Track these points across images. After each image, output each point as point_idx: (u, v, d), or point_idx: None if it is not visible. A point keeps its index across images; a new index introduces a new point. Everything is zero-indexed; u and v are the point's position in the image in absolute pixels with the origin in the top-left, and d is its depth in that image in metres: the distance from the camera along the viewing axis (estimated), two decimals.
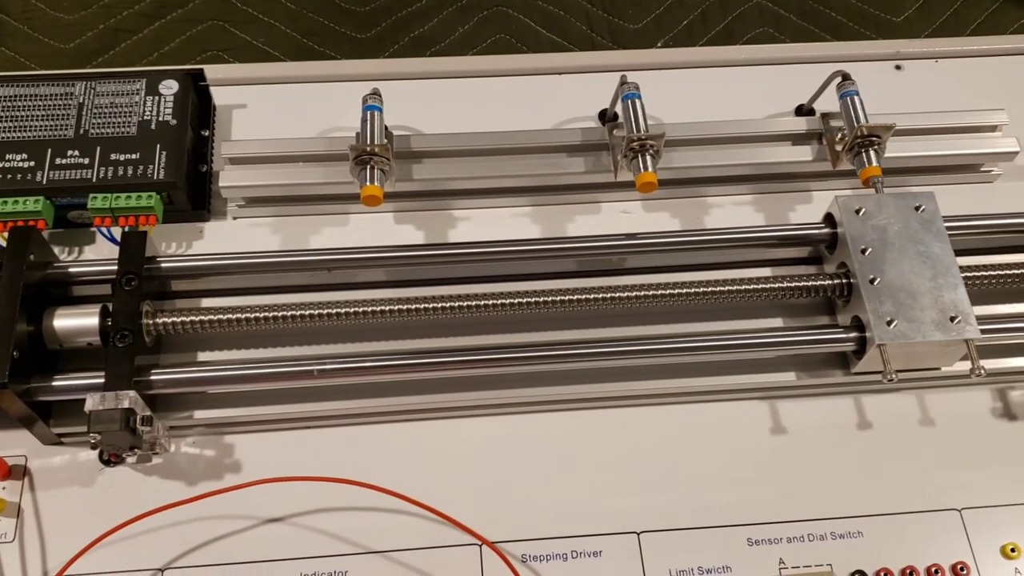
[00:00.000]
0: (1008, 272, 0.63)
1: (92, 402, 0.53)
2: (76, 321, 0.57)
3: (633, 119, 0.63)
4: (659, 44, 1.02)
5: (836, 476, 0.60)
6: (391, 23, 1.03)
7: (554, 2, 1.04)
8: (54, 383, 0.56)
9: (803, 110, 0.73)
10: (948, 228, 0.61)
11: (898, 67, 0.77)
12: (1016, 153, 0.69)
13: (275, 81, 0.73)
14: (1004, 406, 0.63)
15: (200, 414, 0.59)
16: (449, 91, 0.74)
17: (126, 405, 0.53)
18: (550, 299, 0.60)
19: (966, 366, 0.60)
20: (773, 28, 1.05)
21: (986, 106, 0.70)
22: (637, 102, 0.64)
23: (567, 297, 0.60)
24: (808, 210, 0.69)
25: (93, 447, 0.54)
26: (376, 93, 0.64)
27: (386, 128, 0.64)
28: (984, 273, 0.63)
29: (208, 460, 0.59)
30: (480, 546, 0.56)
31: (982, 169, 0.71)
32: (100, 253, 0.64)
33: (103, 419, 0.53)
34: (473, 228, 0.67)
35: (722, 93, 0.75)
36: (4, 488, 0.57)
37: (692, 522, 0.58)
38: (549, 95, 0.74)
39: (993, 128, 0.70)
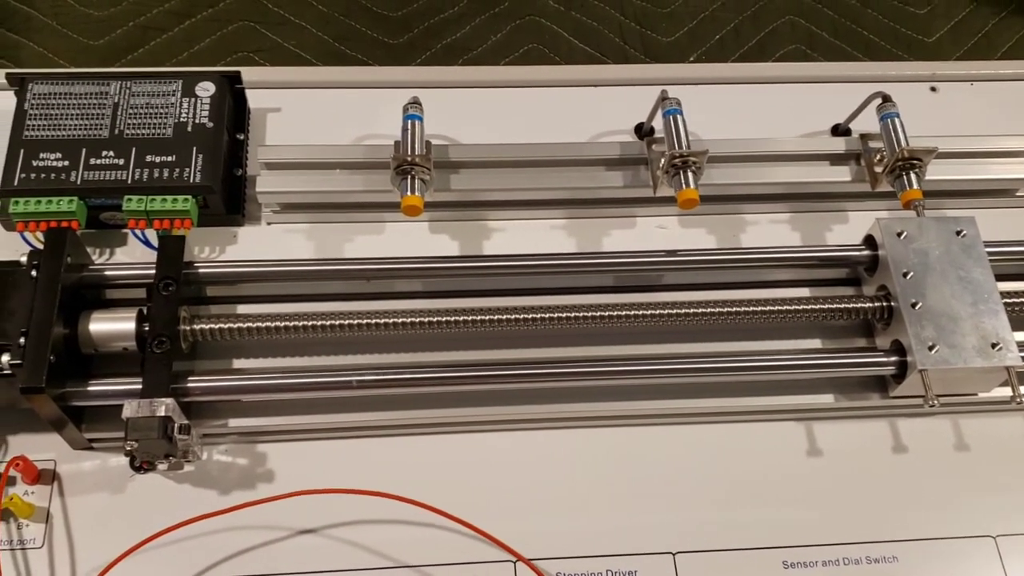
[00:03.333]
0: None
1: (130, 409, 0.52)
2: (113, 325, 0.56)
3: (675, 135, 0.62)
4: (691, 58, 1.02)
5: (871, 500, 0.60)
6: (423, 29, 1.02)
7: (587, 13, 1.04)
8: (90, 388, 0.55)
9: (840, 130, 0.72)
10: (989, 253, 0.61)
11: (933, 89, 0.77)
12: None
13: (310, 86, 0.73)
14: None
15: (235, 422, 0.58)
16: (483, 100, 0.73)
17: (164, 413, 0.52)
18: (589, 315, 0.60)
19: (1002, 391, 0.60)
20: (806, 45, 1.05)
21: (1020, 130, 0.70)
22: (679, 118, 0.63)
23: (606, 313, 0.60)
24: (844, 230, 0.69)
25: (127, 455, 0.53)
26: (416, 102, 0.63)
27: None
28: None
29: (241, 469, 0.58)
30: (515, 562, 0.56)
31: (1017, 194, 0.71)
32: (132, 255, 0.64)
33: (140, 427, 0.52)
34: (508, 239, 0.67)
35: (756, 110, 0.74)
36: (33, 493, 0.57)
37: (727, 543, 0.58)
38: (584, 107, 0.73)
39: None
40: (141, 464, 0.57)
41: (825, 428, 0.62)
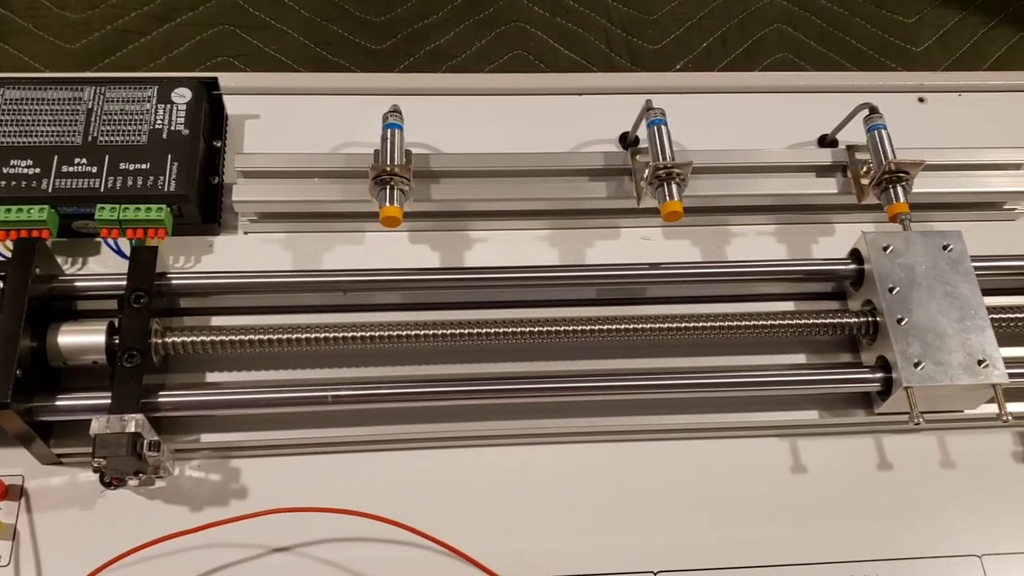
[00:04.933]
0: None
1: (98, 425, 0.51)
2: (82, 339, 0.55)
3: (659, 146, 0.62)
4: (678, 66, 1.01)
5: (856, 518, 0.59)
6: (407, 35, 1.01)
7: (573, 20, 1.03)
8: (57, 403, 0.54)
9: (826, 141, 0.72)
10: (976, 268, 0.60)
11: (921, 99, 0.76)
12: None
13: (289, 92, 0.72)
14: None
15: (207, 437, 0.57)
16: (466, 108, 0.72)
17: (133, 429, 0.51)
18: (569, 328, 0.59)
19: (989, 408, 0.59)
20: (793, 54, 1.05)
21: (1008, 143, 0.70)
22: (663, 128, 0.62)
23: (587, 327, 0.59)
24: (830, 242, 0.68)
25: (96, 471, 0.52)
26: (396, 110, 0.62)
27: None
28: (1011, 316, 0.62)
29: (213, 485, 0.57)
30: None
31: (1005, 207, 0.70)
32: (105, 265, 0.62)
33: (109, 443, 0.51)
34: (490, 250, 0.66)
35: (742, 120, 0.73)
36: (0, 509, 0.55)
37: (710, 562, 0.57)
38: (569, 116, 0.72)
39: (1017, 166, 0.69)
40: (111, 480, 0.55)
41: (809, 445, 0.61)
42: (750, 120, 0.73)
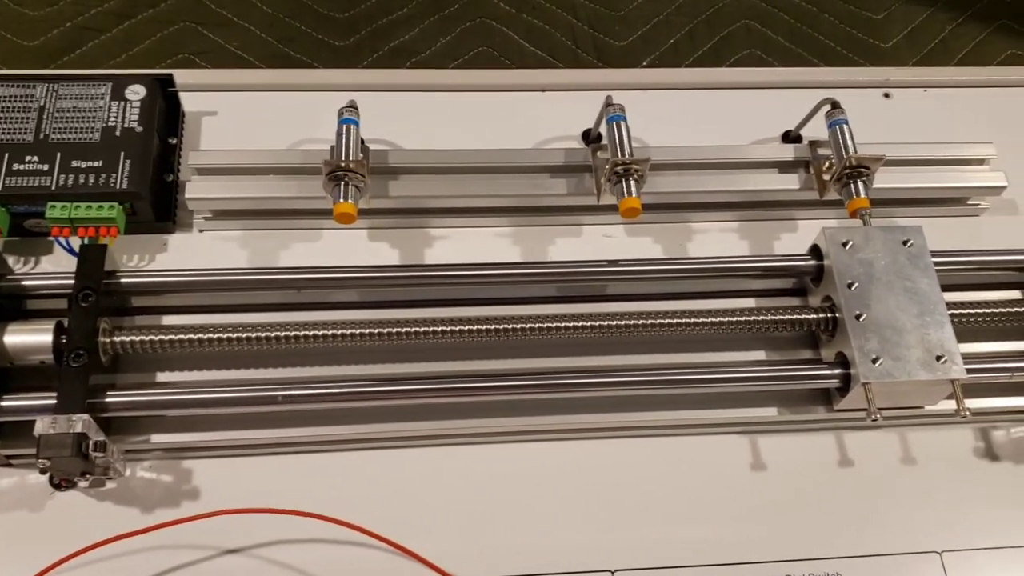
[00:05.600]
0: (994, 310, 0.62)
1: (42, 425, 0.50)
2: (29, 338, 0.54)
3: (618, 142, 0.61)
4: (645, 63, 1.00)
5: (816, 515, 0.59)
6: (371, 31, 1.00)
7: (539, 16, 1.02)
8: (3, 403, 0.53)
9: (790, 136, 0.71)
10: (935, 264, 0.60)
11: (886, 95, 0.76)
12: (1003, 188, 0.68)
13: (248, 88, 0.71)
14: (987, 446, 0.62)
15: (157, 438, 0.56)
16: (429, 104, 0.71)
17: (79, 429, 0.50)
18: (528, 326, 0.58)
19: (949, 404, 0.59)
20: (761, 50, 1.04)
21: (974, 138, 0.69)
22: (622, 124, 0.62)
23: (546, 324, 0.58)
24: (793, 239, 0.68)
25: (42, 472, 0.51)
26: (352, 106, 0.61)
27: (362, 142, 0.61)
28: (970, 311, 0.61)
29: (165, 486, 0.56)
30: None
31: (968, 203, 0.70)
32: (58, 264, 0.61)
33: (53, 444, 0.50)
34: (450, 247, 0.65)
35: (708, 116, 0.73)
36: None
37: (668, 560, 0.56)
38: (532, 112, 0.72)
39: (981, 161, 0.69)
40: (60, 482, 0.54)
41: (769, 441, 0.61)
42: (716, 116, 0.73)
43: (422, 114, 0.71)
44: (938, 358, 0.57)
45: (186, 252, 0.63)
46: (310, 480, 0.57)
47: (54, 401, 0.52)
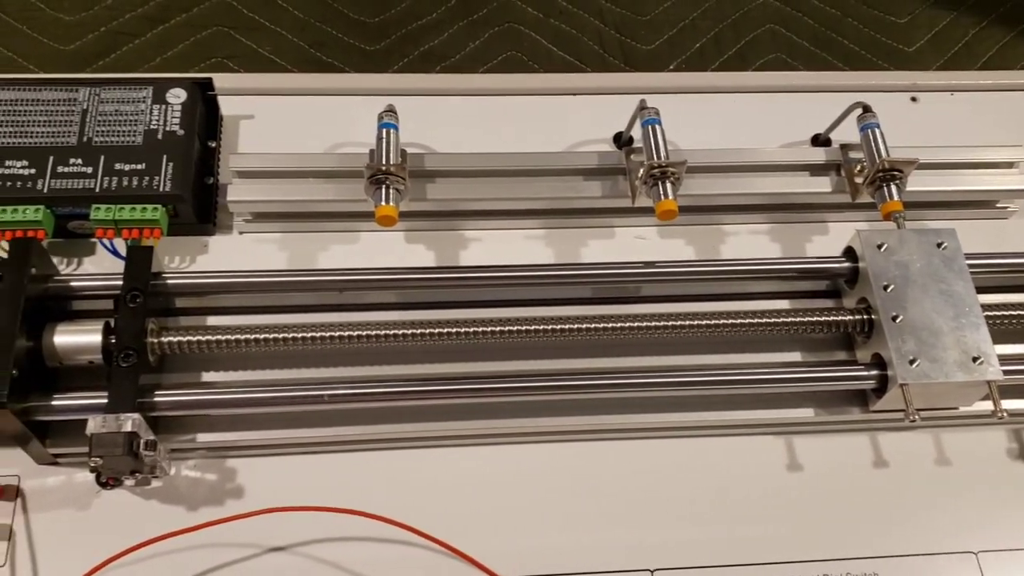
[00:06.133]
0: None
1: (94, 425, 0.51)
2: (78, 338, 0.55)
3: (654, 145, 0.62)
4: (671, 67, 1.01)
5: (851, 515, 0.59)
6: (400, 36, 1.01)
7: (566, 20, 1.03)
8: (54, 403, 0.53)
9: (820, 140, 0.72)
10: (969, 266, 0.61)
11: (913, 99, 0.77)
12: None
13: (283, 92, 0.71)
14: (1021, 447, 0.62)
15: (203, 437, 0.57)
16: (460, 109, 0.72)
17: (129, 428, 0.51)
18: (565, 327, 0.59)
19: (984, 406, 0.59)
20: (786, 54, 1.05)
21: (1001, 141, 0.70)
22: (657, 128, 0.62)
23: (583, 325, 0.59)
24: (824, 241, 0.68)
25: (92, 471, 0.52)
26: (391, 110, 0.62)
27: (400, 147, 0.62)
28: (1005, 313, 0.62)
29: (209, 485, 0.57)
30: None
31: (997, 205, 0.70)
32: (100, 265, 0.62)
33: (105, 443, 0.50)
34: (485, 249, 0.66)
35: (736, 119, 0.74)
36: None
37: (706, 560, 0.57)
38: (562, 116, 0.72)
39: (1009, 165, 0.69)
40: (107, 480, 0.55)
41: (804, 442, 0.61)
42: (743, 120, 0.73)
43: (455, 118, 0.71)
44: (974, 359, 0.57)
45: (227, 254, 0.64)
46: (350, 478, 0.57)
47: (103, 400, 0.53)
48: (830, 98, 0.72)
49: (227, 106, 0.69)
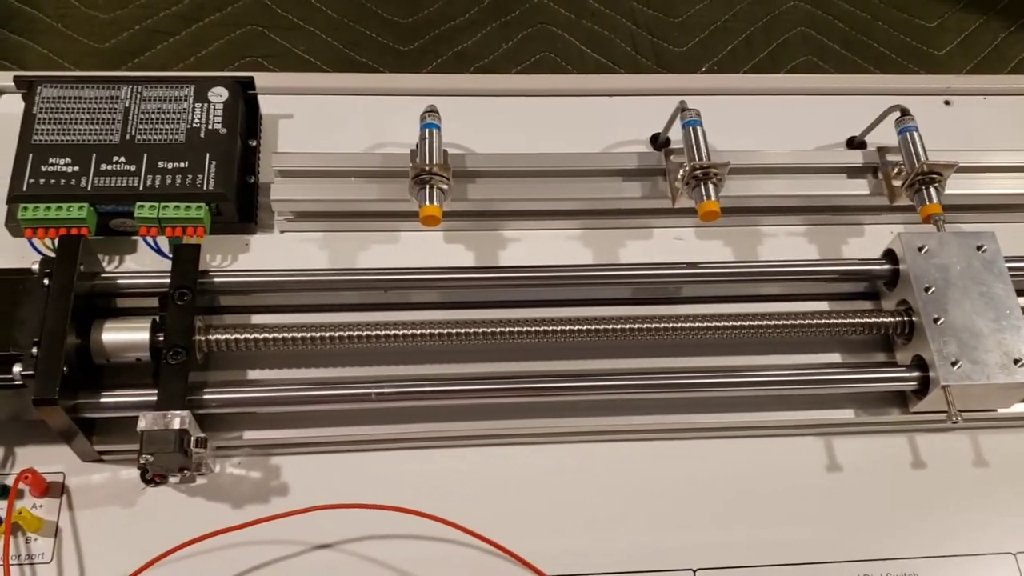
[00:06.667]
0: None
1: (145, 422, 0.51)
2: (127, 336, 0.55)
3: (695, 146, 0.62)
4: (703, 68, 1.01)
5: (891, 516, 0.59)
6: (434, 36, 1.01)
7: (599, 22, 1.03)
8: (102, 400, 0.54)
9: (855, 142, 0.72)
10: (1009, 269, 0.61)
11: (947, 102, 0.77)
12: None
13: (321, 92, 0.72)
14: None
15: (249, 435, 0.57)
16: (496, 109, 0.73)
17: (179, 426, 0.51)
18: (607, 327, 0.59)
19: (1021, 408, 0.60)
20: (817, 57, 1.05)
21: None
22: (699, 129, 0.63)
23: (625, 326, 0.59)
24: (861, 244, 0.68)
25: (141, 468, 0.52)
26: (434, 110, 0.62)
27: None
28: None
29: (254, 482, 0.57)
30: None
31: None
32: (142, 263, 0.62)
33: (156, 440, 0.51)
34: (523, 250, 0.66)
35: (768, 121, 0.74)
36: (41, 506, 0.55)
37: (748, 559, 0.57)
38: (597, 117, 0.73)
39: None
40: (153, 477, 0.55)
41: (844, 443, 0.61)
42: (777, 122, 0.74)
43: (491, 118, 0.72)
44: (1016, 361, 0.57)
45: (268, 252, 0.64)
46: (397, 476, 0.58)
47: (151, 398, 0.53)
48: (863, 101, 0.72)
49: (266, 105, 0.69)
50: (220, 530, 0.53)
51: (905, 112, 0.66)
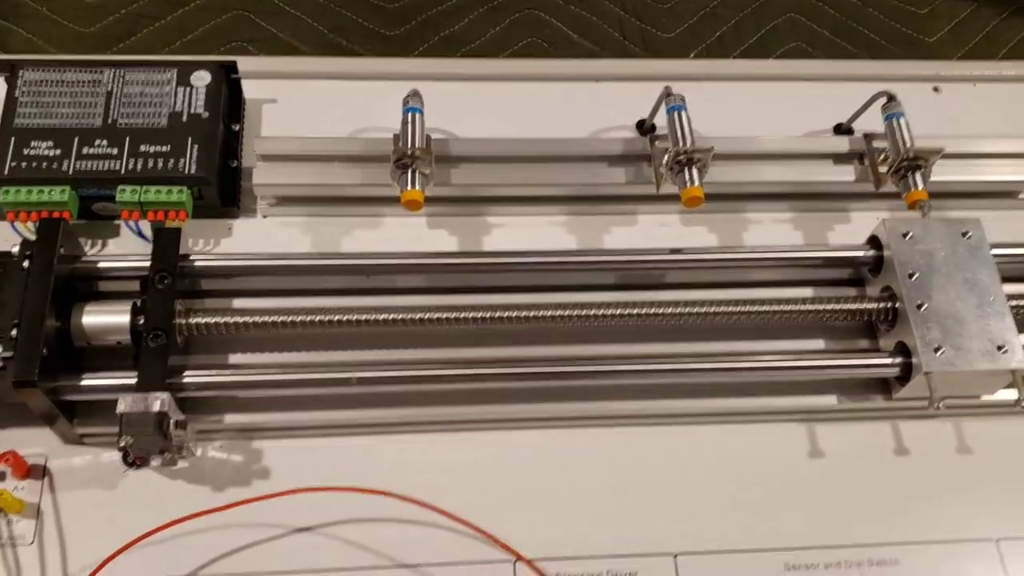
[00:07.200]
0: None
1: (124, 404, 0.51)
2: (107, 319, 0.55)
3: (680, 131, 0.62)
4: (692, 54, 1.01)
5: (873, 502, 0.59)
6: (421, 21, 1.01)
7: (587, 7, 1.03)
8: (82, 382, 0.54)
9: (842, 129, 0.72)
10: (994, 255, 0.61)
11: (936, 89, 0.76)
12: None
13: (305, 76, 0.71)
14: None
15: (230, 418, 0.57)
16: (481, 94, 0.72)
17: (159, 408, 0.51)
18: (590, 312, 0.59)
19: (1007, 394, 0.59)
20: (806, 43, 1.05)
21: (1023, 132, 0.70)
22: (683, 114, 0.62)
23: (607, 311, 0.59)
24: (846, 230, 0.68)
25: (121, 450, 0.52)
26: (416, 94, 0.62)
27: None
28: None
29: (235, 466, 0.57)
30: (515, 562, 0.55)
31: (1020, 196, 0.71)
32: (124, 247, 0.62)
33: (135, 422, 0.51)
34: (508, 235, 0.66)
35: (756, 107, 0.73)
36: (23, 488, 0.55)
37: (729, 545, 0.57)
38: (584, 102, 0.73)
39: None
40: (134, 460, 0.55)
41: (826, 430, 0.61)
42: (765, 108, 0.73)
43: (476, 103, 0.71)
44: (999, 348, 0.57)
45: (251, 237, 0.64)
46: (378, 461, 0.58)
47: (131, 381, 0.53)
48: (852, 87, 0.71)
49: (249, 89, 0.68)
50: (201, 512, 0.53)
51: (892, 98, 0.66)
